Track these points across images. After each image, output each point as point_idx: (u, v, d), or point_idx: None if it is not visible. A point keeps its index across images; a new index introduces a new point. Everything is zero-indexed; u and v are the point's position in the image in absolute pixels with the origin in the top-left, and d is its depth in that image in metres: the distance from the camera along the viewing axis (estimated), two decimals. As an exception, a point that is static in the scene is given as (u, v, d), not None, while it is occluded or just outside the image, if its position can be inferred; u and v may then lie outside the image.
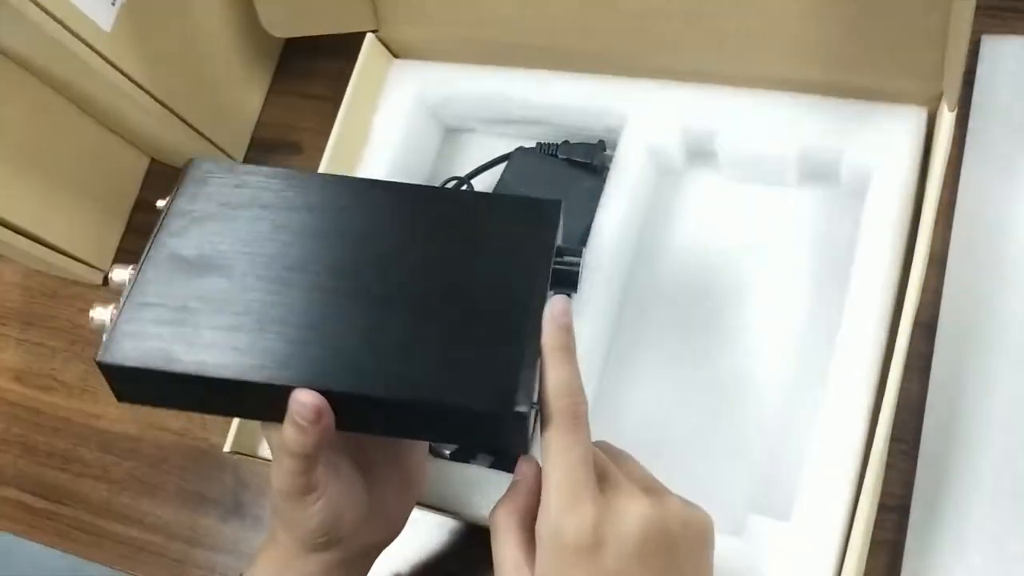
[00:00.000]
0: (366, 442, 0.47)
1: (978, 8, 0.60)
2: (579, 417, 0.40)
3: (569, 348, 0.41)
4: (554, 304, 0.41)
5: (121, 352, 0.41)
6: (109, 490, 0.67)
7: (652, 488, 0.41)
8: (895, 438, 0.53)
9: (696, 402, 0.55)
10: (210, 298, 0.43)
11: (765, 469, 0.52)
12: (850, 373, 0.50)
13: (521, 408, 0.39)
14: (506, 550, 0.40)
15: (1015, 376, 0.52)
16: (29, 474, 0.69)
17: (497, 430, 0.41)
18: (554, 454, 0.39)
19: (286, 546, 0.46)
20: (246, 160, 0.73)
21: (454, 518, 0.55)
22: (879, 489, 0.52)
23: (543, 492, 0.39)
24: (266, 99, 0.74)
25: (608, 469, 0.41)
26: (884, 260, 0.52)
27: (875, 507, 0.52)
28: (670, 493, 0.41)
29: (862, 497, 0.47)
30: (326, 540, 0.44)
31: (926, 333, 0.54)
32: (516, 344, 0.41)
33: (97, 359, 0.41)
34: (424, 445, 0.50)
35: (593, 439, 0.42)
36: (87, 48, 0.58)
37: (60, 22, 0.56)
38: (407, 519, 0.49)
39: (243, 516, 0.64)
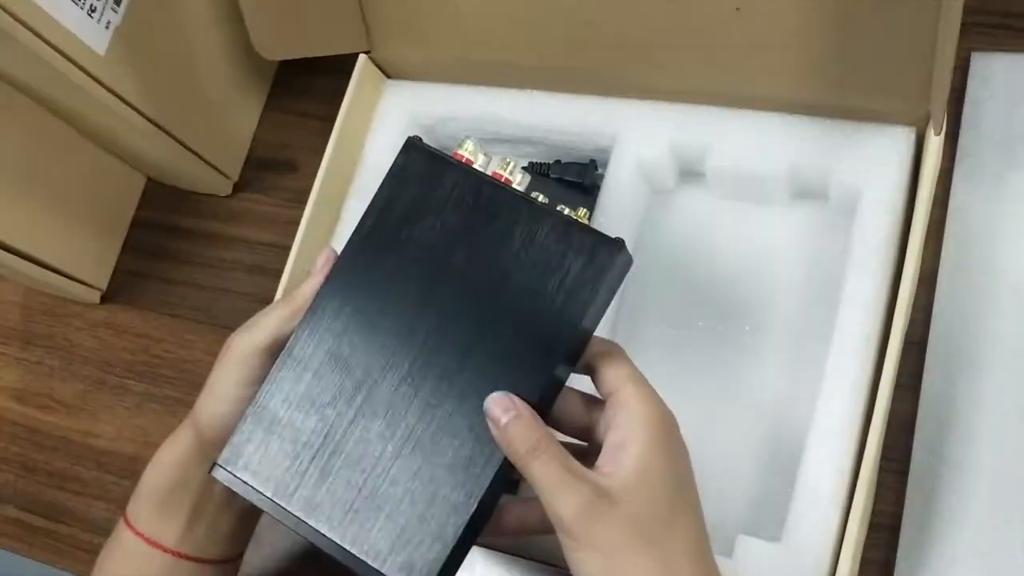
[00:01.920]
0: None
1: (968, 25, 0.60)
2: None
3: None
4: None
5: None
6: (107, 508, 0.67)
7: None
8: (886, 457, 0.53)
9: (687, 421, 0.55)
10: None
11: (756, 488, 0.53)
12: (840, 392, 0.50)
13: None
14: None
15: (1005, 394, 0.52)
16: (28, 492, 0.70)
17: None
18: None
19: None
20: (241, 177, 0.73)
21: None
22: (870, 508, 0.52)
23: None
24: (261, 117, 0.75)
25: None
26: (873, 279, 0.52)
27: (865, 526, 0.52)
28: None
29: (851, 515, 0.47)
30: None
31: (917, 351, 0.55)
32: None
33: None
34: None
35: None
36: (81, 72, 0.58)
37: (54, 47, 0.56)
38: None
39: (240, 534, 0.64)
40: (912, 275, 0.50)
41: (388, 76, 0.65)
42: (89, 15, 0.58)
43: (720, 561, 0.49)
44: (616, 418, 0.42)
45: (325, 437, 0.43)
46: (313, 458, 0.43)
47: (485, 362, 0.42)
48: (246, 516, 0.50)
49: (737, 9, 0.51)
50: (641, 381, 0.43)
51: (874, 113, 0.53)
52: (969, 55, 0.59)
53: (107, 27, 0.60)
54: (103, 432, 0.69)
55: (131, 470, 0.68)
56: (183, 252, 0.73)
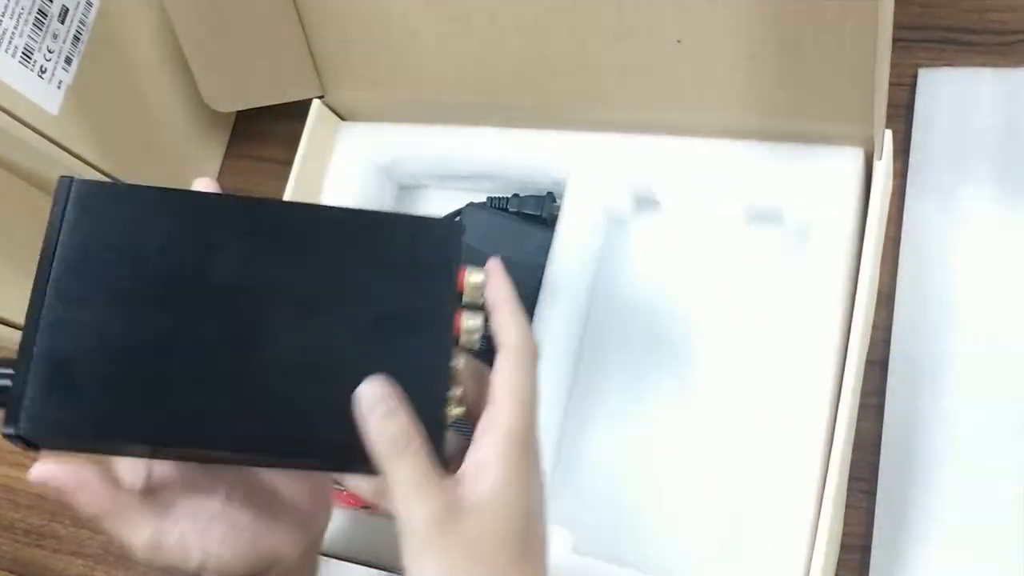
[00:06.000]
0: None
1: (914, 41, 0.61)
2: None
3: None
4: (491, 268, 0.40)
5: None
6: (85, 564, 0.67)
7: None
8: (855, 477, 0.53)
9: (654, 448, 0.55)
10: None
11: (720, 512, 0.53)
12: (802, 414, 0.50)
13: None
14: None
15: (968, 410, 0.53)
16: (7, 552, 0.69)
17: None
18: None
19: None
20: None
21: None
22: (839, 529, 0.52)
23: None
24: (223, 164, 0.75)
25: None
26: (830, 300, 0.52)
27: (836, 546, 0.52)
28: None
29: (818, 536, 0.47)
30: None
31: (879, 370, 0.55)
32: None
33: None
34: None
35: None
36: (34, 133, 0.58)
37: (5, 110, 0.56)
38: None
39: (218, 585, 0.64)
40: (867, 296, 0.51)
41: (342, 119, 0.65)
42: (40, 76, 0.58)
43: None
44: (486, 429, 0.39)
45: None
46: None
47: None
48: None
49: (679, 41, 0.51)
50: (520, 384, 0.40)
51: (823, 136, 0.53)
52: (916, 72, 0.60)
53: (59, 87, 0.60)
54: (78, 488, 0.69)
55: (107, 525, 0.68)
56: (151, 302, 0.73)
